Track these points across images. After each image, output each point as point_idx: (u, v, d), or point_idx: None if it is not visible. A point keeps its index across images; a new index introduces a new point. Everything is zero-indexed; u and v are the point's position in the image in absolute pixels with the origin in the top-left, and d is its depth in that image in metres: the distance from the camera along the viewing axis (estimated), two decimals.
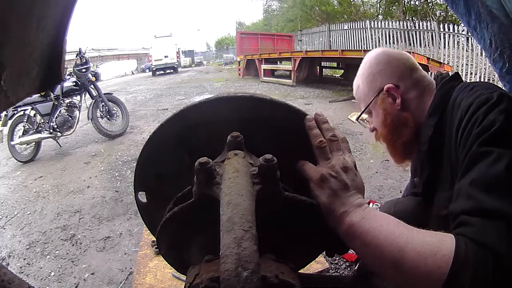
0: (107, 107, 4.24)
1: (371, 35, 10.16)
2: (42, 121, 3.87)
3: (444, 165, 0.67)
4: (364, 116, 0.87)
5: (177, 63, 16.96)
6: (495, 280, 0.38)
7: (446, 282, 0.38)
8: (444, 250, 0.39)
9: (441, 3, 11.07)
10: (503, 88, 0.77)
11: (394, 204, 0.95)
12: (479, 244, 0.40)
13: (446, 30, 7.37)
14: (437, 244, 0.40)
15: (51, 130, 3.86)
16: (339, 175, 0.43)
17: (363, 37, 10.53)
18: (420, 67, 0.82)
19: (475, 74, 6.28)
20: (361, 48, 10.02)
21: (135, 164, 0.52)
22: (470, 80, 6.36)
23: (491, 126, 0.54)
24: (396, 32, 9.19)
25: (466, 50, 6.59)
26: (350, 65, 7.61)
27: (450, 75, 0.76)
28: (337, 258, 1.58)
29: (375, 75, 0.80)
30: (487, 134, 0.53)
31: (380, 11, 14.90)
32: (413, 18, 11.00)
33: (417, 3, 12.53)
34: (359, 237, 0.41)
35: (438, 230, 0.44)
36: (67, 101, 4.03)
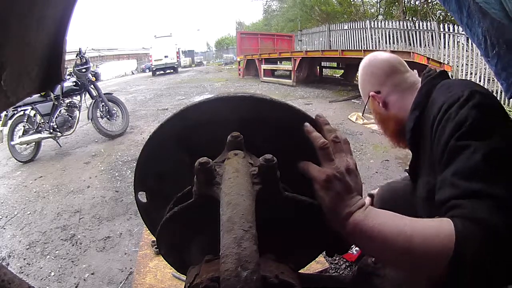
0: (107, 107, 4.24)
1: (371, 35, 10.16)
2: (42, 121, 3.86)
3: (424, 154, 0.77)
4: (366, 115, 1.01)
5: (177, 63, 16.94)
6: (495, 249, 0.44)
7: (452, 258, 0.42)
8: (445, 231, 0.44)
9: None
10: (501, 86, 0.79)
11: (388, 185, 1.16)
12: (474, 220, 0.45)
13: (446, 30, 7.36)
14: (437, 228, 0.44)
15: (51, 130, 3.86)
16: (343, 177, 0.43)
17: (363, 37, 10.52)
18: (404, 69, 0.92)
19: (475, 74, 6.28)
20: (361, 48, 10.02)
21: (135, 164, 0.52)
22: (469, 80, 6.35)
23: (464, 121, 0.60)
24: (396, 32, 9.19)
25: (466, 50, 6.59)
26: (350, 65, 7.61)
27: (437, 72, 0.83)
28: (337, 258, 1.58)
29: (364, 84, 0.97)
30: (463, 129, 0.59)
31: (380, 11, 14.90)
32: (413, 18, 10.99)
33: (417, 3, 12.54)
34: (366, 234, 0.42)
35: (422, 210, 0.51)
36: (67, 101, 4.03)
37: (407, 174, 0.98)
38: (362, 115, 1.06)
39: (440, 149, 0.63)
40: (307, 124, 0.45)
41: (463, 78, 6.51)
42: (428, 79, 0.80)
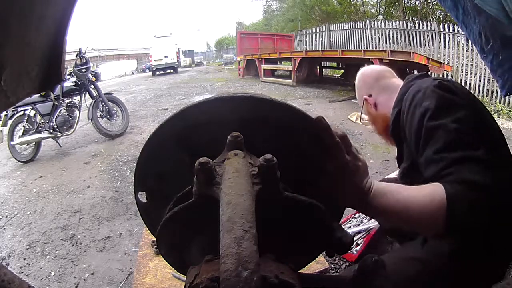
0: (107, 107, 4.24)
1: (371, 35, 10.15)
2: (42, 121, 3.86)
3: (403, 144, 0.88)
4: (364, 116, 1.14)
5: (177, 63, 16.93)
6: (482, 202, 0.53)
7: (447, 217, 0.51)
8: (438, 195, 0.53)
9: None
10: (497, 83, 0.84)
11: (384, 178, 1.31)
12: (460, 181, 0.54)
13: (446, 30, 7.36)
14: (431, 193, 0.53)
15: (51, 130, 3.86)
16: (364, 161, 0.50)
17: (363, 37, 10.52)
18: (391, 75, 1.07)
19: (475, 74, 6.28)
20: (361, 48, 10.01)
21: (135, 164, 0.52)
22: (470, 80, 6.36)
23: (431, 103, 0.69)
24: (396, 32, 9.19)
25: (466, 50, 6.59)
26: (350, 65, 7.60)
27: (417, 74, 0.95)
28: (337, 258, 1.58)
29: (359, 91, 1.12)
30: (431, 111, 0.68)
31: (380, 11, 14.90)
32: (413, 18, 10.99)
33: (417, 3, 12.53)
34: (374, 211, 0.51)
35: None
36: (67, 101, 4.02)
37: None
38: (360, 121, 1.18)
39: (414, 133, 0.72)
40: (320, 117, 0.46)
41: (463, 78, 6.51)
42: (407, 81, 0.92)
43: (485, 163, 0.58)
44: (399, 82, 1.01)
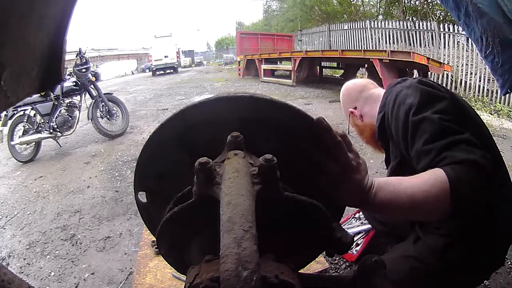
0: (107, 107, 4.24)
1: (371, 35, 10.15)
2: (42, 121, 3.86)
3: (390, 145, 0.93)
4: (352, 129, 1.20)
5: (177, 63, 16.93)
6: (481, 176, 0.56)
7: (452, 197, 0.52)
8: (439, 178, 0.54)
9: None
10: (497, 82, 0.87)
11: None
12: (458, 162, 0.57)
13: (446, 30, 7.35)
14: (432, 178, 0.55)
15: (51, 130, 3.86)
16: (364, 160, 0.51)
17: (363, 37, 10.52)
18: (373, 86, 1.11)
19: (475, 74, 6.28)
20: (361, 48, 10.01)
21: (135, 164, 0.52)
22: (470, 80, 6.36)
23: (414, 99, 0.73)
24: (396, 32, 9.19)
25: (466, 50, 6.59)
26: (350, 65, 7.60)
27: (398, 80, 0.98)
28: (337, 258, 1.58)
29: (344, 106, 1.17)
30: (415, 107, 0.72)
31: (380, 11, 14.89)
32: (413, 18, 10.99)
33: (417, 3, 12.52)
34: (379, 206, 0.52)
35: None
36: (67, 101, 4.02)
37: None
38: (348, 133, 1.22)
39: (401, 130, 0.76)
40: (321, 118, 0.46)
41: (463, 78, 6.51)
42: (389, 87, 0.96)
43: (474, 144, 0.61)
44: (381, 91, 1.04)
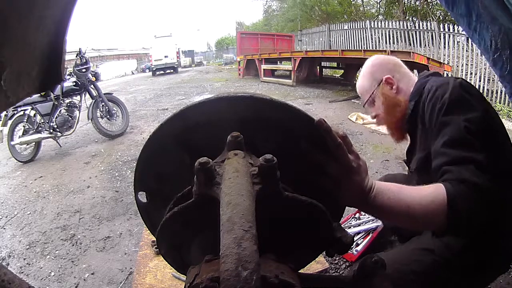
0: (107, 107, 4.24)
1: (371, 35, 10.15)
2: (42, 121, 3.86)
3: (418, 135, 0.90)
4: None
5: (177, 63, 16.92)
6: (478, 201, 0.57)
7: (448, 214, 0.54)
8: (439, 195, 0.56)
9: None
10: (505, 89, 0.86)
11: (384, 178, 1.31)
12: (460, 181, 0.58)
13: (446, 30, 7.35)
14: (433, 194, 0.56)
15: (51, 130, 3.86)
16: (364, 161, 0.51)
17: (363, 37, 10.51)
18: (405, 66, 1.06)
19: (475, 74, 6.28)
20: (361, 48, 10.00)
21: (135, 164, 0.52)
22: (470, 80, 6.36)
23: (448, 99, 0.73)
24: (396, 32, 9.18)
25: (466, 50, 6.58)
26: (350, 65, 7.60)
27: (430, 72, 0.99)
28: (337, 258, 1.58)
29: (374, 73, 1.03)
30: (447, 106, 0.73)
31: (380, 11, 14.88)
32: (413, 18, 10.98)
33: (417, 3, 12.51)
34: (377, 210, 0.53)
35: (415, 182, 0.67)
36: (67, 101, 4.02)
37: (404, 163, 1.12)
38: (364, 106, 1.12)
39: (433, 125, 0.77)
40: (322, 119, 0.46)
41: (463, 78, 6.51)
42: (422, 76, 0.96)
43: (485, 167, 0.61)
44: (412, 74, 1.03)
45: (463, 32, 6.85)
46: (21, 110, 3.80)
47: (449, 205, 0.54)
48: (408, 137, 1.03)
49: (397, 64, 1.04)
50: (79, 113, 4.14)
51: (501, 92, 5.69)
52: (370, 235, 1.56)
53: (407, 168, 1.11)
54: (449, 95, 0.74)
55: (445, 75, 6.53)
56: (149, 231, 0.59)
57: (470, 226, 0.58)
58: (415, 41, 8.54)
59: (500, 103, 5.55)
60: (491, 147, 0.67)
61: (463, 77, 6.39)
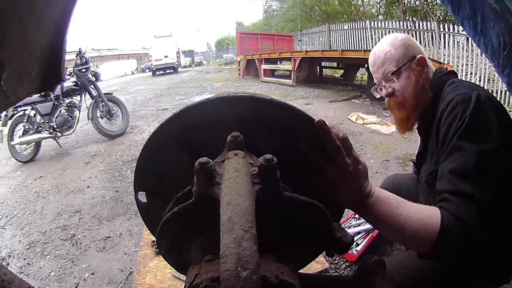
0: (107, 107, 4.24)
1: (371, 35, 10.15)
2: (42, 121, 3.86)
3: (430, 143, 0.86)
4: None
5: (177, 63, 16.92)
6: (469, 244, 0.57)
7: (436, 242, 0.54)
8: (432, 224, 0.55)
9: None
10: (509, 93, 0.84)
11: (393, 178, 1.29)
12: (457, 218, 0.56)
13: (446, 30, 7.35)
14: (427, 220, 0.55)
15: (51, 130, 3.86)
16: (365, 164, 0.50)
17: (363, 37, 10.51)
18: None
19: (475, 74, 6.28)
20: (361, 48, 10.01)
21: (135, 164, 0.52)
22: (470, 80, 6.36)
23: (467, 122, 0.68)
24: (396, 32, 9.18)
25: (466, 50, 6.58)
26: (350, 65, 7.60)
27: (447, 70, 0.92)
28: (337, 258, 1.58)
29: (409, 46, 0.92)
30: (464, 129, 0.68)
31: (380, 11, 14.88)
32: (413, 18, 10.98)
33: (417, 3, 12.52)
34: (372, 217, 0.53)
35: (423, 193, 0.68)
36: (67, 101, 4.03)
37: (412, 164, 1.09)
38: (376, 90, 1.00)
39: (445, 144, 0.72)
40: (322, 120, 0.45)
41: (463, 78, 6.51)
42: (440, 75, 0.88)
43: (485, 209, 0.59)
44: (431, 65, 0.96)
45: (463, 32, 6.85)
46: (21, 110, 3.81)
47: (439, 236, 0.54)
48: (418, 136, 0.98)
49: (422, 49, 0.96)
50: (79, 113, 4.15)
51: (501, 92, 5.69)
52: (370, 235, 1.56)
53: (411, 169, 1.11)
54: (469, 116, 0.68)
55: None
56: (149, 231, 0.59)
57: (452, 261, 0.60)
58: None
59: None
60: (499, 187, 0.62)
61: (463, 77, 6.36)
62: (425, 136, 0.92)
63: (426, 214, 0.56)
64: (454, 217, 0.57)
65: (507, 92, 5.60)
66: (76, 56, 4.11)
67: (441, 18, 10.83)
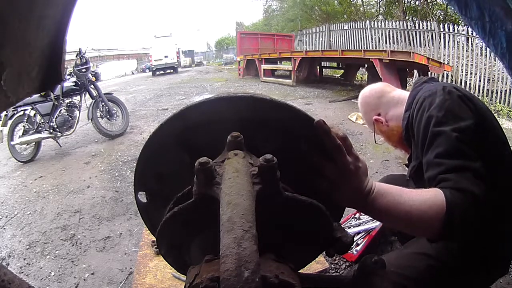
0: (107, 107, 4.24)
1: (371, 35, 10.15)
2: (42, 121, 3.86)
3: (413, 144, 0.91)
4: (379, 137, 1.15)
5: (177, 63, 16.92)
6: (476, 209, 0.58)
7: (445, 221, 0.54)
8: (438, 201, 0.56)
9: (441, 3, 11.04)
10: None
11: (386, 179, 1.38)
12: (459, 190, 0.58)
13: (446, 30, 7.36)
14: (432, 199, 0.56)
15: (51, 130, 3.86)
16: (365, 162, 0.51)
17: (363, 37, 10.51)
18: (391, 89, 1.08)
19: (475, 74, 6.28)
20: (361, 48, 10.00)
21: (135, 164, 0.52)
22: (469, 80, 6.36)
23: (437, 110, 0.73)
24: (396, 32, 9.18)
25: (466, 50, 6.58)
26: (350, 65, 7.60)
27: (424, 79, 0.99)
28: (337, 258, 1.58)
29: (365, 115, 1.14)
30: (437, 117, 0.72)
31: (380, 11, 14.88)
32: (413, 18, 10.98)
33: (417, 3, 12.51)
34: (376, 212, 0.53)
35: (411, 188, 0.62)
36: (67, 101, 4.02)
37: (406, 167, 1.13)
38: (375, 142, 1.21)
39: (420, 136, 0.77)
40: (322, 120, 0.46)
41: (463, 78, 6.51)
42: (416, 85, 0.96)
43: (482, 175, 0.62)
44: (401, 92, 1.05)
45: (463, 32, 6.85)
46: (21, 110, 3.80)
47: (447, 213, 0.54)
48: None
49: (380, 95, 1.07)
50: (79, 113, 4.14)
51: (501, 92, 5.69)
52: (370, 235, 1.56)
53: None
54: (436, 106, 0.74)
55: (445, 75, 6.54)
56: (149, 231, 0.59)
57: (464, 234, 0.59)
58: (415, 41, 8.54)
59: (500, 103, 5.55)
60: (486, 155, 0.67)
61: (463, 77, 6.37)
62: (409, 142, 0.96)
63: (429, 195, 0.57)
64: (457, 190, 0.58)
65: (507, 92, 5.60)
66: (76, 56, 4.10)
67: (441, 18, 10.82)
